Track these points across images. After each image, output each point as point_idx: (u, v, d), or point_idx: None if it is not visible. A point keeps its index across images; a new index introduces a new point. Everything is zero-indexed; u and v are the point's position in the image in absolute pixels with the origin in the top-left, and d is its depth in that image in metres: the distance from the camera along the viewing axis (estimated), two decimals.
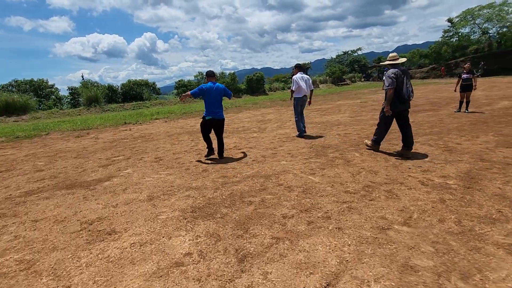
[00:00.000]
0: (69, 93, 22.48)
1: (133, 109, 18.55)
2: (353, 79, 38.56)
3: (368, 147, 5.08)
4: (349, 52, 54.13)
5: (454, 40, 38.29)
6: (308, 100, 6.64)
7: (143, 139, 7.52)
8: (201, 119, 5.01)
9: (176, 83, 25.76)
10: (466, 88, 8.64)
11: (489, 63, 32.86)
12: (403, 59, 4.56)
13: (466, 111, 8.57)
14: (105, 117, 13.29)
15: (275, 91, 28.81)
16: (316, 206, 2.91)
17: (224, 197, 3.31)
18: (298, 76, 6.43)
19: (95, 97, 19.33)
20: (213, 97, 4.81)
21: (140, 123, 10.76)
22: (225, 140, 6.56)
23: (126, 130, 9.31)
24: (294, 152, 5.13)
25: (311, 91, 6.56)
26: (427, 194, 3.04)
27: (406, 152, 4.51)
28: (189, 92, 4.84)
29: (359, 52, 53.61)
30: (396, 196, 3.03)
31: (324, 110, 11.13)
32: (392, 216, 2.60)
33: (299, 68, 6.62)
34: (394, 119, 4.63)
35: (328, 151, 5.06)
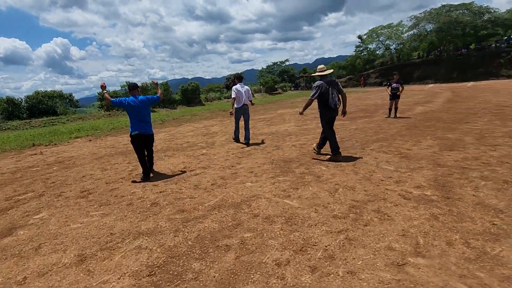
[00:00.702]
0: None
1: (44, 126, 15.31)
2: (284, 88, 40.59)
3: (314, 151, 5.41)
4: (278, 63, 57.26)
5: (364, 54, 44.02)
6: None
7: (61, 165, 5.96)
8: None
9: (98, 94, 22.63)
10: (395, 96, 9.56)
11: (390, 74, 38.88)
12: (330, 70, 4.89)
13: (396, 116, 9.46)
14: (4, 138, 10.49)
15: (211, 101, 28.06)
16: (310, 242, 2.42)
17: (190, 243, 2.54)
18: (238, 86, 6.60)
19: None
20: (137, 111, 4.47)
21: (56, 144, 8.74)
22: (171, 160, 5.66)
23: (35, 154, 7.36)
24: (256, 170, 4.60)
25: (251, 101, 6.89)
26: (415, 210, 2.86)
27: (337, 157, 4.82)
28: (109, 98, 4.40)
29: (287, 63, 57.23)
30: (388, 216, 2.76)
31: (269, 120, 10.99)
32: (399, 245, 2.27)
33: (240, 79, 6.79)
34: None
35: (292, 166, 4.69)
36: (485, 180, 3.53)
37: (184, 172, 4.83)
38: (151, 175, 4.73)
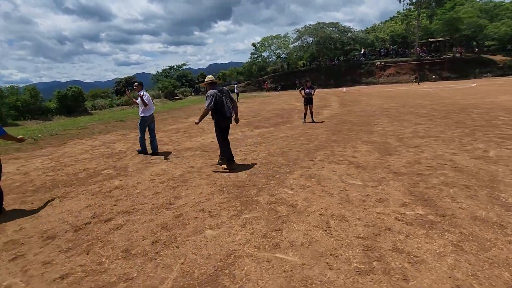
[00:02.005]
0: None
1: None
2: (184, 93, 38.60)
3: (219, 165, 5.19)
4: (175, 67, 54.33)
5: (258, 61, 46.89)
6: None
7: None
8: None
9: None
10: (309, 101, 9.89)
11: (282, 80, 42.91)
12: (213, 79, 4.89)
13: (312, 121, 9.81)
14: None
15: (101, 109, 23.49)
16: None
17: None
18: (146, 93, 6.32)
19: None
20: None
21: None
22: (66, 205, 3.78)
23: None
24: (207, 206, 3.45)
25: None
26: (432, 240, 2.47)
27: (231, 165, 4.91)
28: None
29: (184, 67, 55.01)
30: (417, 257, 2.24)
31: (185, 131, 9.59)
32: None
33: (142, 85, 6.43)
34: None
35: (251, 193, 3.77)
36: (450, 186, 3.60)
37: (95, 224, 3.18)
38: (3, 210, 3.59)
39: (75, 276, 2.28)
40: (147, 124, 6.40)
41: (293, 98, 21.22)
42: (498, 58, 34.88)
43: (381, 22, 50.11)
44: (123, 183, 4.54)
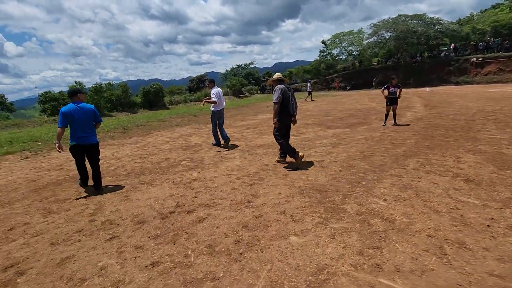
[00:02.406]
0: None
1: None
2: (251, 91, 39.56)
3: (280, 162, 5.13)
4: (242, 65, 56.26)
5: (327, 59, 44.97)
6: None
7: None
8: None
9: (40, 95, 19.00)
10: (392, 101, 8.79)
11: (353, 79, 40.17)
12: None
13: (395, 123, 8.70)
14: None
15: (176, 105, 25.77)
16: None
17: None
18: (216, 90, 6.66)
19: None
20: (77, 121, 3.94)
21: None
22: (152, 191, 4.01)
23: None
24: (288, 209, 3.20)
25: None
26: None
27: (296, 159, 4.73)
28: (59, 128, 3.90)
29: (251, 66, 56.53)
30: None
31: (255, 127, 9.61)
32: None
33: (214, 82, 6.85)
34: None
35: (335, 199, 3.39)
36: None
37: (179, 214, 3.24)
38: (101, 190, 4.20)
39: (164, 266, 2.29)
40: (217, 118, 6.76)
41: (366, 98, 19.64)
42: None
43: (480, 12, 42.67)
44: (201, 176, 4.65)
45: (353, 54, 41.80)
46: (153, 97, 23.21)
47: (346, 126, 8.79)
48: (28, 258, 2.52)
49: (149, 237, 2.76)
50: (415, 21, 35.02)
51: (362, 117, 10.74)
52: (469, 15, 38.98)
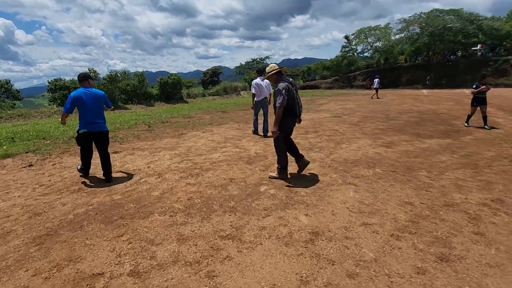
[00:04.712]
0: None
1: None
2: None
3: (274, 178, 3.95)
4: (257, 59, 54.20)
5: (350, 55, 42.52)
6: (269, 101, 7.05)
7: None
8: (76, 134, 3.97)
9: (49, 83, 17.28)
10: (482, 101, 7.59)
11: (381, 77, 37.71)
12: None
13: (487, 126, 7.48)
14: None
15: (194, 98, 23.91)
16: None
17: None
18: (258, 80, 6.78)
19: None
20: (87, 106, 3.81)
21: None
22: (251, 259, 2.01)
23: None
24: None
25: (270, 94, 6.88)
26: None
27: (303, 163, 4.04)
28: (63, 112, 3.90)
29: (267, 61, 54.42)
30: None
31: (318, 132, 7.63)
32: None
33: (260, 72, 7.06)
34: None
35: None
36: None
37: None
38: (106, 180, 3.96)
39: None
40: (259, 107, 7.00)
41: (409, 99, 17.48)
42: None
43: None
44: (316, 222, 2.72)
45: (380, 51, 39.19)
46: (171, 89, 21.40)
47: (445, 136, 6.76)
48: None
49: None
50: (450, 17, 32.35)
51: (444, 122, 8.66)
52: (508, 12, 35.88)
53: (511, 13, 35.01)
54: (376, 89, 19.11)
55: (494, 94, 20.33)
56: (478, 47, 32.12)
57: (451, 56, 33.70)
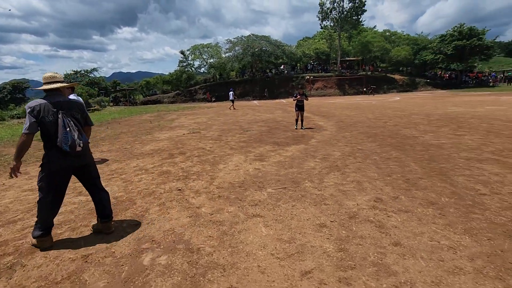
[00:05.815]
0: None
1: None
2: (102, 103, 32.00)
3: (34, 246, 2.71)
4: (82, 71, 45.57)
5: (188, 70, 43.59)
6: None
7: None
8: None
9: None
10: (300, 107, 9.61)
11: (215, 91, 40.81)
12: (63, 84, 2.73)
13: (302, 128, 9.65)
14: None
15: None
16: None
17: None
18: None
19: None
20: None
21: None
22: None
23: None
24: None
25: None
26: None
27: (106, 226, 2.91)
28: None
29: (95, 73, 46.79)
30: None
31: (200, 154, 6.66)
32: None
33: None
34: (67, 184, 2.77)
35: None
36: None
37: None
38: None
39: None
40: None
41: (248, 109, 19.60)
42: (397, 77, 42.13)
43: (303, 39, 54.12)
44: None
45: (214, 67, 42.42)
46: None
47: (292, 143, 7.58)
48: None
49: None
50: (264, 41, 39.71)
51: (282, 129, 9.94)
52: (298, 41, 48.39)
53: (298, 44, 47.52)
54: (232, 101, 20.57)
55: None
56: (282, 67, 41.51)
57: (269, 73, 41.41)
